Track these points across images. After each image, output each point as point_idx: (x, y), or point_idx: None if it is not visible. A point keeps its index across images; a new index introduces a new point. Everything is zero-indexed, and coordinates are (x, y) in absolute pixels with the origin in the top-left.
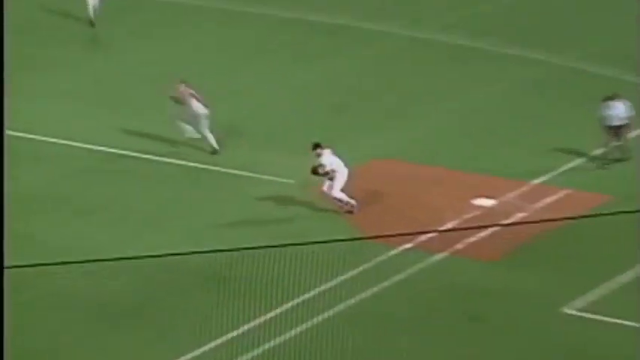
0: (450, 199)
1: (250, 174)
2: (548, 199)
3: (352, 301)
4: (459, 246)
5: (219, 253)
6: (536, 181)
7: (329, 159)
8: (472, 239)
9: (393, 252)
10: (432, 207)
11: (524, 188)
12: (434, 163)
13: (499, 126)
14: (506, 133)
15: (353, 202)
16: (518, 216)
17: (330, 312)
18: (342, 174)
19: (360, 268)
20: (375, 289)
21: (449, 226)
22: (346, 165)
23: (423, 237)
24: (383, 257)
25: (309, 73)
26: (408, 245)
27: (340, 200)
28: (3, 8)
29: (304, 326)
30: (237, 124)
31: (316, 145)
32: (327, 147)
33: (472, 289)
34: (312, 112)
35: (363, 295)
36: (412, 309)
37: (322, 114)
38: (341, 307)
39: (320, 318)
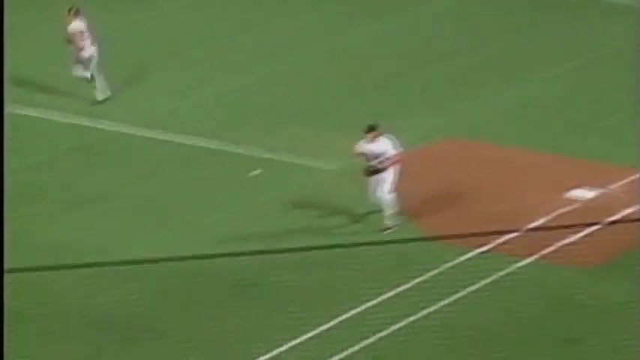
0: (540, 189)
1: (283, 158)
2: None
3: (412, 317)
4: (550, 249)
5: (245, 257)
6: None
7: (385, 149)
8: (566, 240)
9: (465, 256)
10: (516, 199)
11: (634, 177)
12: (518, 143)
13: (603, 99)
14: (611, 108)
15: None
16: (626, 212)
17: (385, 331)
18: (393, 170)
19: (424, 277)
20: (441, 302)
21: (537, 224)
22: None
23: (504, 237)
24: (453, 263)
25: (360, 29)
26: (485, 248)
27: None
28: (3, 8)
29: (357, 346)
30: (264, 96)
31: (371, 128)
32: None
33: (567, 302)
34: (361, 80)
35: (426, 310)
36: (489, 327)
37: (375, 82)
38: (402, 323)
39: (372, 338)
